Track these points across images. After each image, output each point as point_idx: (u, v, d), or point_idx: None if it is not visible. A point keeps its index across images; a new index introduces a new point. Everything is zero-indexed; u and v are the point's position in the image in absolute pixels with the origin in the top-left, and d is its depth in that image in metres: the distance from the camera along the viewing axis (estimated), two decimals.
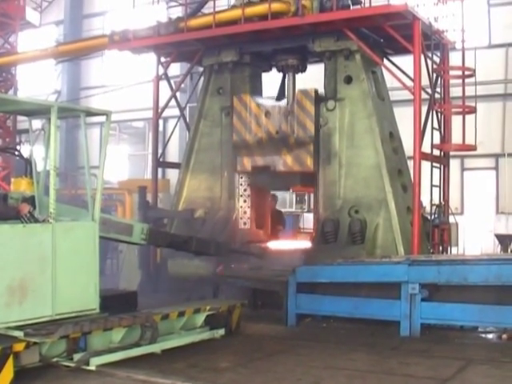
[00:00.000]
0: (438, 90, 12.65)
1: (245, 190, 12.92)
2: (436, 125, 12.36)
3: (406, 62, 12.56)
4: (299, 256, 11.33)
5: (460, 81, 12.94)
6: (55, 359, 7.03)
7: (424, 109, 11.87)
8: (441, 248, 12.37)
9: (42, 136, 8.39)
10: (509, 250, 15.83)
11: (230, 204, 12.96)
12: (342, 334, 9.56)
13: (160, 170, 17.80)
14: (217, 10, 12.78)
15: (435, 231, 12.09)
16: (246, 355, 8.14)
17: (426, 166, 11.78)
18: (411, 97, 11.44)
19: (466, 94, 12.83)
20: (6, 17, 18.71)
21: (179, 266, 11.94)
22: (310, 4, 11.93)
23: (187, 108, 17.31)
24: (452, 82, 13.19)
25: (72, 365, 7.05)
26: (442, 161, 12.87)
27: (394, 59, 13.33)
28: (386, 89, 12.91)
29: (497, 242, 16.93)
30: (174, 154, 21.56)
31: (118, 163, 26.36)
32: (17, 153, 9.21)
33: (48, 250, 7.10)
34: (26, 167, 8.22)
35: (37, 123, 9.81)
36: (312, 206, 15.55)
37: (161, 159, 15.33)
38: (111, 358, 7.29)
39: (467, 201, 19.63)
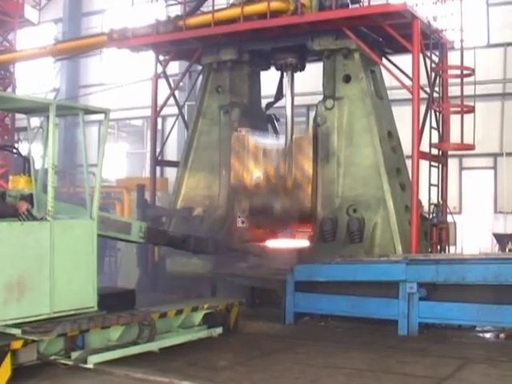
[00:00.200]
0: (437, 89, 12.64)
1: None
2: (434, 124, 12.35)
3: (404, 61, 12.58)
4: (297, 255, 11.34)
5: (458, 80, 12.93)
6: (53, 357, 7.03)
7: (422, 108, 11.90)
8: (439, 247, 12.36)
9: (41, 134, 8.40)
10: (507, 250, 15.82)
11: (228, 202, 12.94)
12: (340, 332, 9.58)
13: (158, 169, 17.74)
14: (216, 8, 12.77)
15: (433, 230, 12.09)
16: (244, 354, 8.15)
17: (424, 165, 11.76)
18: (410, 96, 11.45)
19: (465, 93, 12.82)
20: (4, 14, 18.62)
21: (177, 265, 11.94)
22: (309, 3, 11.93)
23: (186, 106, 17.28)
24: (450, 81, 13.17)
25: (70, 363, 7.06)
26: (441, 160, 12.86)
27: (393, 58, 13.32)
28: (384, 88, 12.91)
29: (495, 241, 16.93)
30: (172, 152, 21.49)
31: (117, 161, 26.28)
32: (15, 151, 9.21)
33: (46, 247, 7.10)
34: (25, 165, 8.21)
35: (35, 121, 9.81)
36: None
37: (159, 157, 15.37)
38: (109, 356, 7.29)
39: (465, 200, 19.62)
